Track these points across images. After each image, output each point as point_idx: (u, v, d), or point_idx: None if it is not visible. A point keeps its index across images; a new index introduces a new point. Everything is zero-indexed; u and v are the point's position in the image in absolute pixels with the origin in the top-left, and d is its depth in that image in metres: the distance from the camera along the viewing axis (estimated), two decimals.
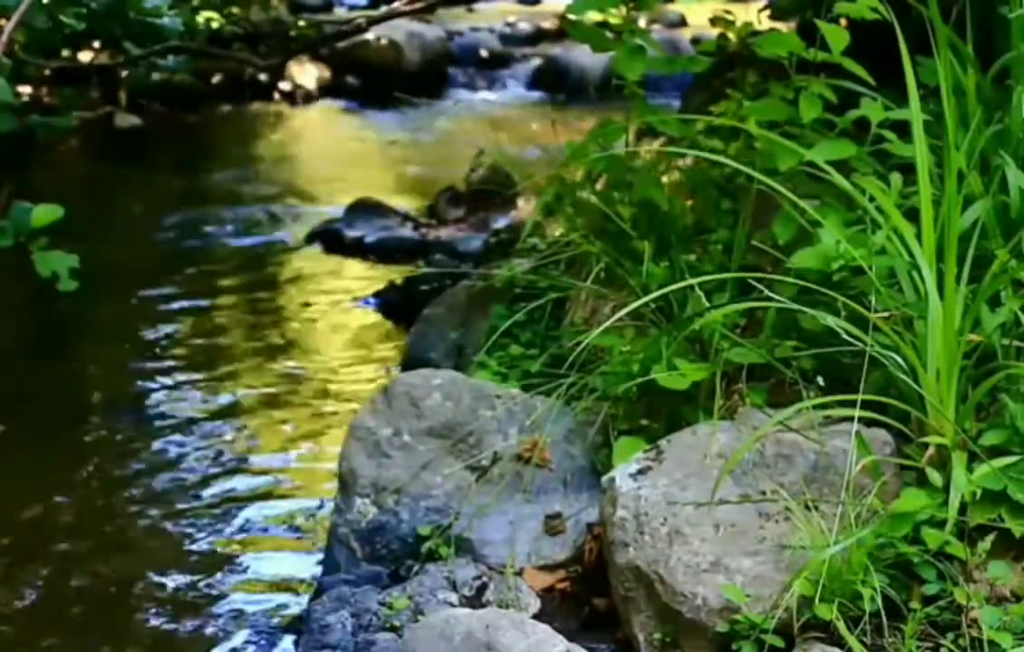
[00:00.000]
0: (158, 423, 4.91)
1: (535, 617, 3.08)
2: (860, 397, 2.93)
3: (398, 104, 9.86)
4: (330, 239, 7.00)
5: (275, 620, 3.59)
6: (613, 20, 4.18)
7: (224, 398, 5.11)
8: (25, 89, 8.30)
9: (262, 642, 3.51)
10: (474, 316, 4.62)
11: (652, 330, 3.63)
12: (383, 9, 9.99)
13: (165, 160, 9.06)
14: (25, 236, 4.00)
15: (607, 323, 3.31)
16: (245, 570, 3.91)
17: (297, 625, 3.43)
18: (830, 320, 3.13)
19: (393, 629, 3.14)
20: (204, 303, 6.18)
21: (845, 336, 3.07)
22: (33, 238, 4.00)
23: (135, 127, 9.52)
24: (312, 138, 9.83)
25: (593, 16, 4.27)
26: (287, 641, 3.46)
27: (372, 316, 6.00)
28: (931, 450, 2.99)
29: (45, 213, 3.99)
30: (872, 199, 3.33)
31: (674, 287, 3.40)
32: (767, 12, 5.49)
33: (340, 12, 12.10)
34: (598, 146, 4.18)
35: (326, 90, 10.95)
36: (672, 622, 2.93)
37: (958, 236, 3.15)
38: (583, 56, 10.34)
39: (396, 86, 10.06)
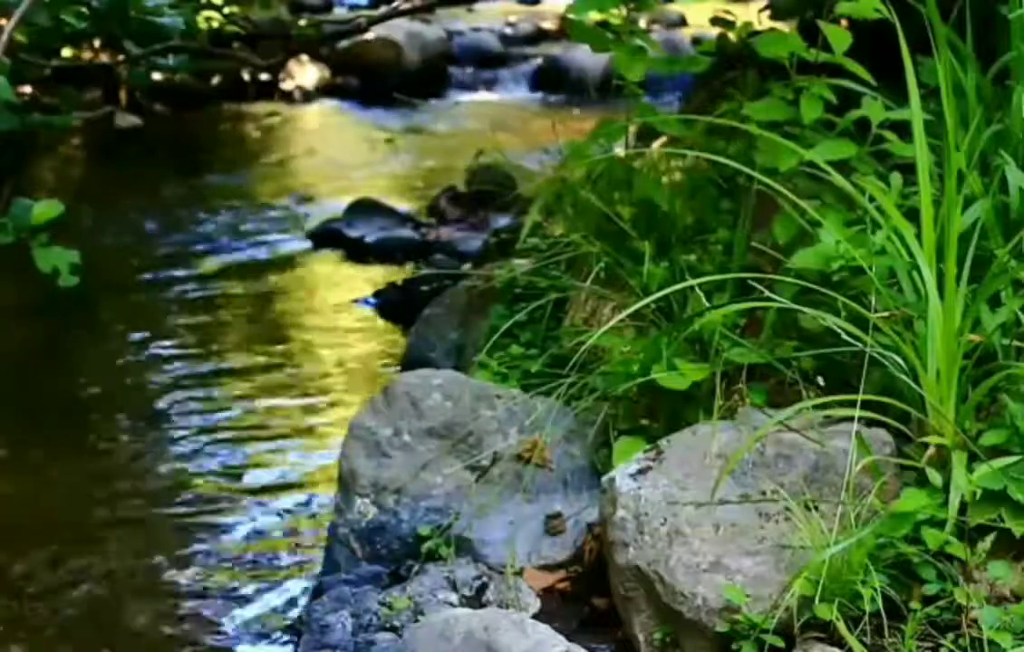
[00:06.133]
0: (157, 422, 4.91)
1: (535, 617, 3.08)
2: (860, 397, 2.93)
3: (398, 104, 9.85)
4: (330, 239, 7.00)
5: (275, 620, 3.59)
6: (613, 20, 4.18)
7: (223, 397, 5.11)
8: (25, 89, 8.29)
9: (262, 642, 3.51)
10: (474, 316, 4.62)
11: (652, 330, 3.63)
12: (383, 9, 9.97)
13: (165, 160, 9.05)
14: (25, 233, 3.99)
15: (608, 324, 3.31)
16: (245, 570, 3.91)
17: (297, 625, 3.43)
18: (830, 320, 3.12)
19: (393, 629, 3.13)
20: (203, 303, 6.17)
21: (845, 336, 3.07)
22: (33, 234, 4.00)
23: (135, 127, 9.52)
24: (312, 138, 9.82)
25: (593, 16, 4.27)
26: (287, 641, 3.46)
27: (372, 316, 5.99)
28: (931, 450, 2.99)
29: (45, 210, 3.99)
30: (872, 199, 3.32)
31: (674, 288, 3.40)
32: (767, 12, 5.49)
33: (340, 12, 12.07)
34: (598, 146, 4.18)
35: (326, 90, 10.94)
36: (672, 622, 2.93)
37: (958, 236, 3.14)
38: (583, 56, 10.32)
39: (396, 86, 10.05)
